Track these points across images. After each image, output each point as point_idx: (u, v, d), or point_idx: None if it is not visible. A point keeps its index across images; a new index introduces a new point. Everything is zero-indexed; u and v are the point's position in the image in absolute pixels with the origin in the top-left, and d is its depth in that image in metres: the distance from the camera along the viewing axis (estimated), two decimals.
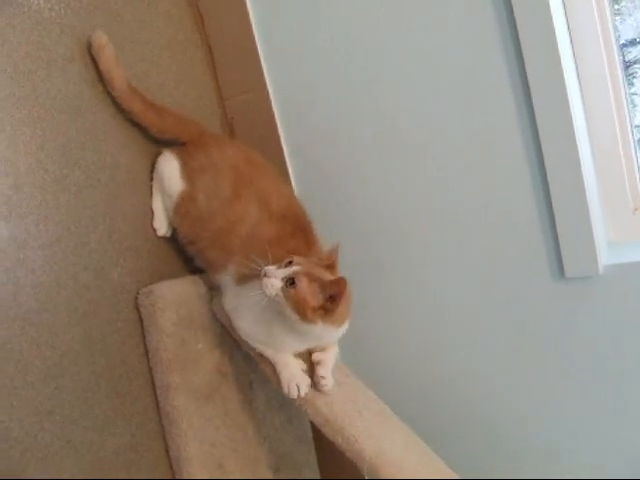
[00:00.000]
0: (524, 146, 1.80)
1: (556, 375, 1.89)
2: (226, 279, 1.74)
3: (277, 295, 1.50)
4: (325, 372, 1.68)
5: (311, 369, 1.70)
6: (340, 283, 1.49)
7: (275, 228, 1.72)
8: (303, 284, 1.49)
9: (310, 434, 2.20)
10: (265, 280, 1.50)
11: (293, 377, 1.64)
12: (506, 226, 1.87)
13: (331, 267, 1.59)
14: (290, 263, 1.53)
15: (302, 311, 1.50)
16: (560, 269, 1.82)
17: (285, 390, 1.65)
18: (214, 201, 1.75)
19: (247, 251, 1.66)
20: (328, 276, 1.55)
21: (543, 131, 1.75)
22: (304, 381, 1.65)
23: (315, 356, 1.72)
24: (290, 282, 1.49)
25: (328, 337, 1.65)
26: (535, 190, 1.81)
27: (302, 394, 1.64)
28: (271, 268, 1.52)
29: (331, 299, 1.50)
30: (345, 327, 1.63)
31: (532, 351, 1.90)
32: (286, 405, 2.09)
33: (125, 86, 1.74)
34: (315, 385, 1.68)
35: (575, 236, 1.77)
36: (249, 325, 1.68)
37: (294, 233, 1.73)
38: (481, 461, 2.04)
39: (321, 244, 1.77)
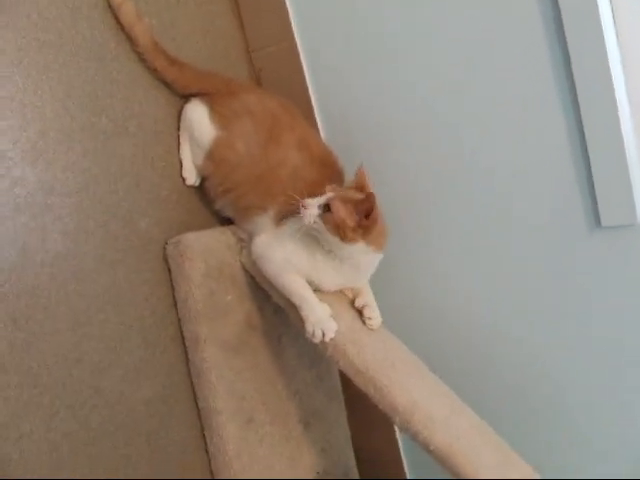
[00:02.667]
0: (559, 92, 1.75)
1: (590, 325, 1.85)
2: (264, 222, 1.74)
3: (315, 222, 1.56)
4: (372, 312, 1.74)
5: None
6: (369, 198, 1.55)
7: (315, 172, 1.73)
8: (337, 206, 1.54)
9: (340, 391, 2.19)
10: (303, 211, 1.55)
11: (319, 321, 1.63)
12: (542, 174, 1.82)
13: (361, 188, 1.65)
14: (323, 193, 1.58)
15: (341, 232, 1.56)
16: (596, 218, 1.77)
17: (309, 333, 1.64)
18: (253, 146, 1.74)
19: (289, 193, 1.66)
20: (360, 196, 1.59)
21: (579, 76, 1.70)
22: (330, 326, 1.63)
23: (358, 302, 1.76)
24: (326, 208, 1.55)
25: (367, 263, 1.70)
26: (571, 137, 1.76)
27: (327, 339, 1.63)
28: (308, 200, 1.57)
29: (366, 217, 1.55)
30: (381, 253, 1.68)
31: (566, 301, 1.86)
32: (316, 361, 2.07)
33: (148, 42, 1.72)
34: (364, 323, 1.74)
35: (612, 184, 1.71)
36: (286, 257, 1.67)
37: (331, 178, 1.72)
38: (509, 410, 2.01)
39: None
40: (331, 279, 1.70)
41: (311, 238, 1.63)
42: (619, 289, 1.79)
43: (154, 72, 1.76)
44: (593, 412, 1.90)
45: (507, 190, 1.88)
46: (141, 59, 1.74)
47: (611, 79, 1.66)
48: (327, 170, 1.76)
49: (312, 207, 1.55)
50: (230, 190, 1.79)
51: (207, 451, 1.80)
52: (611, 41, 1.68)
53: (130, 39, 1.71)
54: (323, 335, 1.63)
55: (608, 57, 1.65)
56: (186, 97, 1.84)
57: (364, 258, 1.65)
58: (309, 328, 1.63)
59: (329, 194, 1.58)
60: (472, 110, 1.88)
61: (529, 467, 1.66)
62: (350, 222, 1.55)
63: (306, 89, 2.12)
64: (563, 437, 1.95)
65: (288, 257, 1.67)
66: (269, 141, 1.74)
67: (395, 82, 1.98)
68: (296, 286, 1.67)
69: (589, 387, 1.89)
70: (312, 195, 1.60)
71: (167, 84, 1.80)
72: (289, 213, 1.67)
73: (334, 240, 1.57)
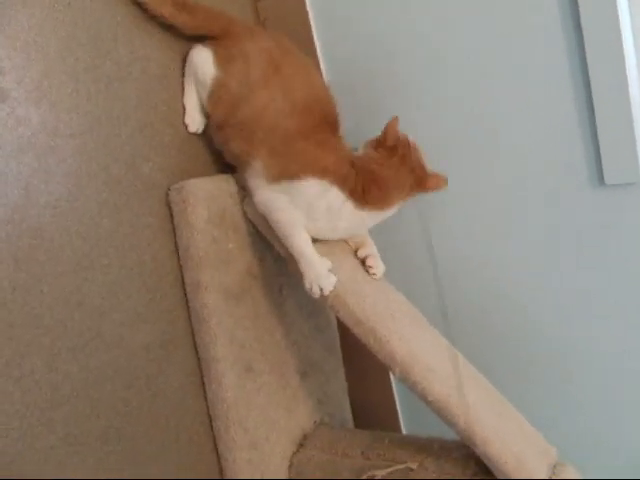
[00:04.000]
0: (566, 43, 1.73)
1: (592, 283, 1.86)
2: (255, 174, 1.71)
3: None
4: (375, 261, 1.75)
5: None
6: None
7: (298, 121, 1.69)
8: None
9: (338, 343, 2.20)
10: None
11: (317, 277, 1.63)
12: (545, 130, 1.81)
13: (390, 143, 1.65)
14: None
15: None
16: (600, 175, 1.76)
17: (307, 289, 1.64)
18: (243, 87, 1.72)
19: (271, 143, 1.67)
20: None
21: (587, 29, 1.68)
22: (329, 281, 1.63)
23: (360, 252, 1.77)
24: None
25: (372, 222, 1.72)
26: (576, 91, 1.74)
27: (325, 293, 1.63)
28: None
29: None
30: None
31: (568, 259, 1.87)
32: (316, 313, 2.08)
33: None
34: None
35: (616, 140, 1.70)
36: (292, 206, 1.66)
37: (318, 126, 1.70)
38: (507, 363, 2.02)
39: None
40: (330, 235, 1.71)
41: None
42: (622, 247, 1.79)
43: (162, 20, 1.73)
44: (593, 367, 1.92)
45: (508, 146, 1.88)
46: (147, 10, 1.70)
47: (620, 32, 1.64)
48: (313, 119, 1.71)
49: None
50: (221, 128, 1.77)
51: (206, 398, 1.82)
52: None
53: None
54: (321, 290, 1.63)
55: (619, 16, 1.64)
56: (192, 39, 1.81)
57: (372, 220, 1.69)
58: (307, 284, 1.64)
59: None
60: (479, 61, 1.87)
61: (525, 421, 1.68)
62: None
63: (312, 39, 2.10)
64: (561, 389, 1.97)
65: (293, 207, 1.66)
66: (259, 83, 1.72)
67: (402, 29, 1.96)
68: (297, 239, 1.66)
69: (588, 339, 1.90)
70: (295, 146, 1.64)
71: (174, 28, 1.77)
72: (286, 172, 1.65)
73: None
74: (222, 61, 1.74)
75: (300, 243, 1.65)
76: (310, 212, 1.64)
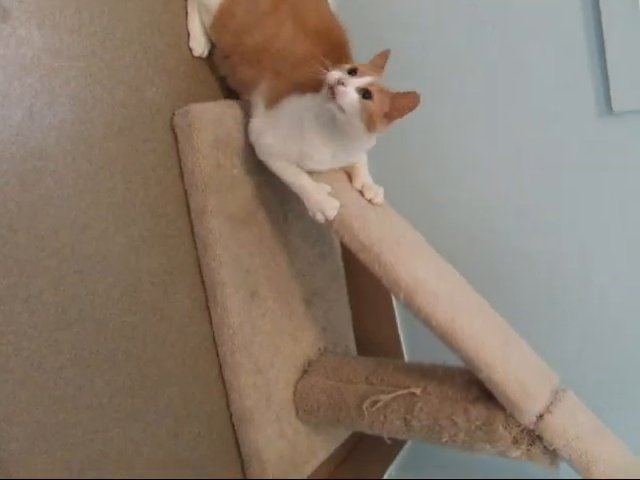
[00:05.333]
0: None
1: (602, 214, 1.85)
2: (256, 100, 1.71)
3: (351, 106, 1.47)
4: (372, 190, 1.71)
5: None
6: (414, 99, 1.48)
7: (308, 45, 1.67)
8: (379, 97, 1.48)
9: (342, 271, 2.21)
10: (340, 89, 1.46)
11: (317, 202, 1.62)
12: (551, 55, 1.79)
13: (378, 69, 1.58)
14: (355, 71, 1.50)
15: (372, 123, 1.49)
16: (607, 102, 1.74)
17: (311, 215, 1.64)
18: (251, 14, 1.69)
19: (278, 68, 1.66)
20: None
21: None
22: (330, 205, 1.62)
23: (356, 184, 1.73)
24: (364, 93, 1.47)
25: (367, 145, 1.65)
26: (585, 14, 1.71)
27: (330, 217, 1.63)
28: (342, 75, 1.48)
29: (397, 110, 1.50)
30: None
31: (577, 191, 1.86)
32: (320, 241, 2.09)
33: None
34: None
35: (625, 65, 1.68)
36: (279, 141, 1.65)
37: (328, 51, 1.66)
38: (513, 292, 2.04)
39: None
40: (327, 160, 1.67)
41: (305, 118, 1.60)
42: (630, 176, 1.78)
43: None
44: (603, 307, 1.93)
45: (516, 71, 1.86)
46: None
47: None
48: (322, 44, 1.69)
49: (351, 89, 1.46)
50: (228, 56, 1.76)
51: (211, 323, 1.83)
52: None
53: None
54: (325, 215, 1.63)
55: None
56: None
57: (369, 141, 1.63)
58: (310, 212, 1.64)
59: (368, 78, 1.49)
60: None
61: (529, 347, 1.70)
62: (382, 114, 1.49)
63: None
64: (565, 322, 1.99)
65: (280, 142, 1.65)
66: (267, 11, 1.69)
67: None
68: (289, 173, 1.66)
69: (596, 274, 1.91)
70: (303, 71, 1.57)
71: None
72: (280, 94, 1.64)
73: (358, 128, 1.51)
74: None
75: (292, 175, 1.65)
76: (301, 130, 1.61)
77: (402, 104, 1.49)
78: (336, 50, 1.70)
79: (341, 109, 1.47)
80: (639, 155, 1.76)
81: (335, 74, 1.47)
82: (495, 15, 1.84)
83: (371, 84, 1.48)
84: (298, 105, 1.61)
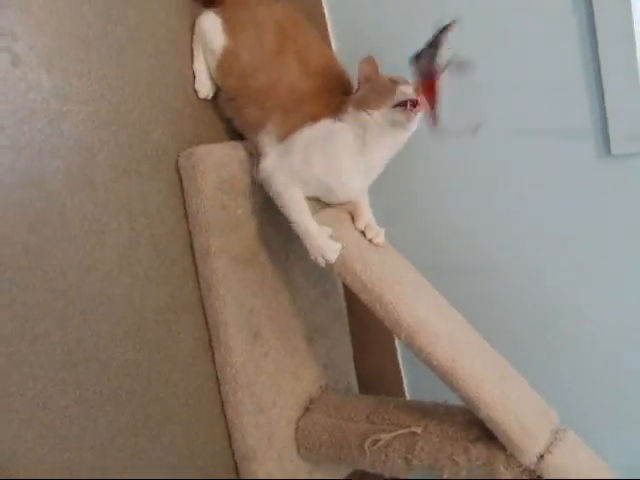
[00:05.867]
0: (575, 12, 1.73)
1: (600, 255, 1.87)
2: (265, 139, 1.74)
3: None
4: (373, 230, 1.75)
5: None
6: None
7: (312, 83, 1.72)
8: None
9: (344, 309, 2.23)
10: (412, 114, 1.56)
11: (319, 247, 1.64)
12: (552, 99, 1.81)
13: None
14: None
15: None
16: (606, 145, 1.77)
17: (312, 259, 1.66)
18: (256, 57, 1.74)
19: (285, 108, 1.69)
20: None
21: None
22: (331, 249, 1.64)
23: (358, 224, 1.76)
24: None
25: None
26: (584, 60, 1.75)
27: (330, 261, 1.65)
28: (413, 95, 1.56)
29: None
30: None
31: (576, 231, 1.88)
32: (322, 279, 2.11)
33: None
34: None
35: (624, 110, 1.71)
36: (293, 172, 1.68)
37: (332, 89, 1.73)
38: (510, 329, 2.05)
39: None
40: (354, 180, 1.71)
41: (337, 142, 1.65)
42: (628, 218, 1.80)
43: None
44: (599, 343, 1.94)
45: (517, 114, 1.88)
46: None
47: (630, 5, 1.64)
48: (326, 82, 1.74)
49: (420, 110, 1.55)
50: (233, 99, 1.80)
51: (214, 362, 1.84)
52: None
53: None
54: (326, 259, 1.65)
55: None
56: (201, 5, 1.83)
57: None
58: (311, 255, 1.66)
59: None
60: (490, 30, 1.88)
61: (529, 386, 1.71)
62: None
63: (320, 4, 2.11)
64: (562, 357, 1.99)
65: (297, 170, 1.67)
66: (271, 53, 1.74)
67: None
68: (296, 211, 1.67)
69: (590, 311, 1.92)
70: (308, 109, 1.67)
71: None
72: (293, 127, 1.68)
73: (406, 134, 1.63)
74: (232, 29, 1.75)
75: (298, 216, 1.67)
76: (308, 159, 1.66)
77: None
78: (338, 87, 1.75)
79: (410, 128, 1.59)
80: (637, 196, 1.77)
81: (408, 92, 1.56)
82: (496, 59, 1.87)
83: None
84: (320, 132, 1.65)
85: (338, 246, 1.65)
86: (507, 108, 1.89)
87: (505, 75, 1.87)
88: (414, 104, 1.53)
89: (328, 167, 1.67)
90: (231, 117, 1.85)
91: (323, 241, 1.64)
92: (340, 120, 1.65)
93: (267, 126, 1.72)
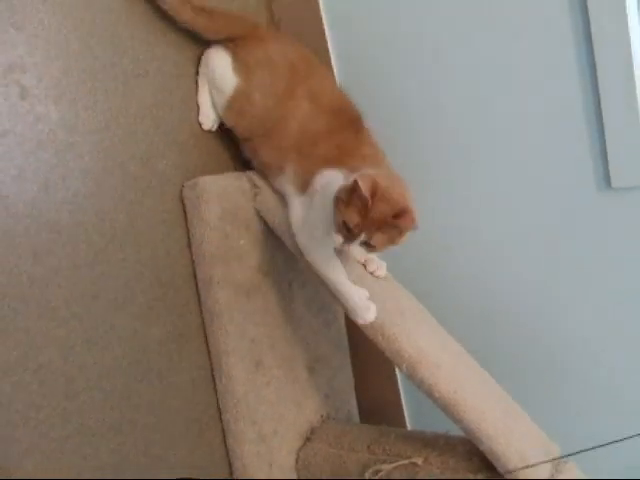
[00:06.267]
0: (574, 44, 1.75)
1: (601, 286, 1.87)
2: (287, 188, 1.74)
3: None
4: (375, 264, 1.77)
5: None
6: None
7: (325, 122, 1.72)
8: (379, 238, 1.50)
9: (346, 339, 2.23)
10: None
11: (358, 307, 1.64)
12: (551, 132, 1.83)
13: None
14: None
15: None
16: (606, 179, 1.77)
17: (352, 317, 1.66)
18: (269, 98, 1.74)
19: (299, 148, 1.69)
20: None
21: (595, 28, 1.69)
22: (370, 309, 1.64)
23: (359, 258, 1.77)
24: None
25: None
26: (584, 95, 1.76)
27: (368, 322, 1.64)
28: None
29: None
30: None
31: (576, 263, 1.88)
32: (324, 309, 2.11)
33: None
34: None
35: (624, 143, 1.72)
36: (320, 236, 1.63)
37: (344, 128, 1.72)
38: (511, 363, 2.04)
39: (373, 135, 1.76)
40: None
41: None
42: (628, 251, 1.81)
43: (183, 25, 1.74)
44: (599, 371, 1.94)
45: (517, 147, 1.89)
46: (167, 16, 1.71)
47: (628, 36, 1.65)
48: (339, 120, 1.73)
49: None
50: (248, 140, 1.81)
51: (216, 391, 1.85)
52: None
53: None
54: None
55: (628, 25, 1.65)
56: (208, 41, 1.83)
57: None
58: (351, 315, 1.66)
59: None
60: (489, 63, 1.89)
61: (529, 418, 1.71)
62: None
63: (325, 42, 2.12)
64: (564, 391, 1.99)
65: (322, 233, 1.63)
66: (284, 93, 1.74)
67: (414, 31, 1.98)
68: (330, 269, 1.66)
69: (591, 341, 1.92)
70: (322, 148, 1.65)
71: (195, 32, 1.78)
72: (310, 173, 1.66)
73: None
74: (243, 68, 1.75)
75: (334, 270, 1.65)
76: (328, 217, 1.59)
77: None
78: (351, 124, 1.75)
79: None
80: (637, 229, 1.78)
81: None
82: (496, 91, 1.89)
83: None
84: (332, 188, 1.59)
85: (374, 308, 1.64)
86: (507, 139, 1.90)
87: (505, 107, 1.88)
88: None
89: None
90: (250, 158, 1.86)
91: (362, 302, 1.64)
92: (346, 179, 1.57)
93: (286, 170, 1.73)
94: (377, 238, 1.49)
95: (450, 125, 1.99)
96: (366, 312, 1.63)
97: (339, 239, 1.51)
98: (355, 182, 1.42)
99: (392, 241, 1.51)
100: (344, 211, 1.47)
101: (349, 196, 1.46)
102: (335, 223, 1.51)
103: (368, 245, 1.51)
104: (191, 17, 1.73)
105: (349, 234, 1.48)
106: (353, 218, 1.45)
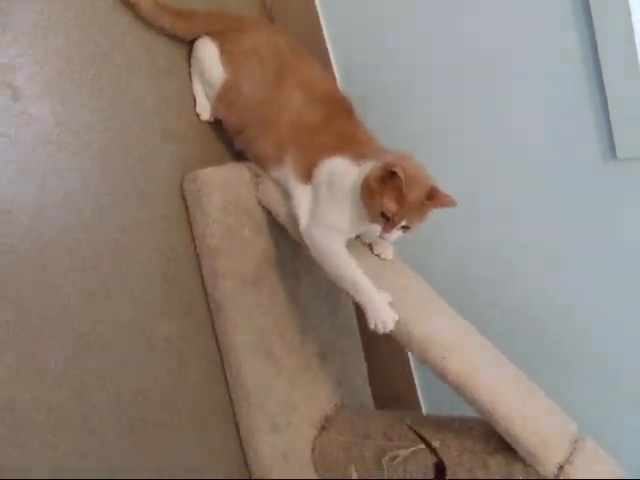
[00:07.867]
0: (573, 12, 1.72)
1: (605, 258, 1.85)
2: (288, 179, 1.71)
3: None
4: (379, 247, 1.75)
5: None
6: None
7: (319, 112, 1.69)
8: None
9: (355, 324, 2.21)
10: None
11: (379, 313, 1.58)
12: (555, 103, 1.80)
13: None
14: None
15: None
16: (611, 149, 1.75)
17: (371, 326, 1.60)
18: (259, 89, 1.72)
19: (296, 138, 1.67)
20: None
21: (595, 9, 1.67)
22: (390, 317, 1.58)
23: (364, 239, 1.76)
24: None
25: None
26: (586, 64, 1.73)
27: (387, 330, 1.59)
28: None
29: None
30: None
31: (581, 235, 1.87)
32: (331, 295, 2.10)
33: (150, 5, 1.67)
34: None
35: (628, 113, 1.70)
36: (330, 229, 1.62)
37: (338, 115, 1.70)
38: (523, 344, 2.02)
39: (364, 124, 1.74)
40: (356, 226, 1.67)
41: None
42: (633, 222, 1.79)
43: (163, 31, 1.73)
44: (614, 344, 1.92)
45: (518, 119, 1.87)
46: (147, 23, 1.70)
47: (629, 11, 1.63)
48: (332, 109, 1.71)
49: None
50: (241, 132, 1.78)
51: (227, 383, 1.84)
52: None
53: (131, 9, 1.66)
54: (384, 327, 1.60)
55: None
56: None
57: None
58: (371, 322, 1.59)
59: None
60: (487, 53, 1.87)
61: (546, 397, 1.69)
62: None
63: (320, 29, 2.09)
64: (579, 370, 1.98)
65: (332, 225, 1.62)
66: (274, 84, 1.72)
67: (412, 21, 1.96)
68: (351, 274, 1.61)
69: (600, 315, 1.91)
70: (318, 138, 1.64)
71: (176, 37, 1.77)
72: (312, 163, 1.64)
73: None
74: (231, 61, 1.74)
75: (355, 278, 1.60)
76: (337, 208, 1.60)
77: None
78: (344, 110, 1.73)
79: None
80: None
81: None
82: (498, 65, 1.86)
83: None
84: (339, 177, 1.60)
85: (396, 316, 1.59)
86: (511, 114, 1.88)
87: (507, 79, 1.86)
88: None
89: (358, 213, 1.59)
90: (243, 150, 1.83)
91: (383, 307, 1.59)
92: (358, 166, 1.58)
93: (285, 161, 1.70)
94: (415, 221, 1.52)
95: (449, 108, 1.97)
96: (386, 321, 1.58)
97: (376, 229, 1.52)
98: (391, 170, 1.43)
99: (424, 220, 1.54)
100: (381, 200, 1.47)
101: (381, 184, 1.47)
102: (369, 214, 1.53)
103: (406, 229, 1.53)
104: (170, 24, 1.72)
105: (388, 222, 1.50)
106: (392, 207, 1.47)
